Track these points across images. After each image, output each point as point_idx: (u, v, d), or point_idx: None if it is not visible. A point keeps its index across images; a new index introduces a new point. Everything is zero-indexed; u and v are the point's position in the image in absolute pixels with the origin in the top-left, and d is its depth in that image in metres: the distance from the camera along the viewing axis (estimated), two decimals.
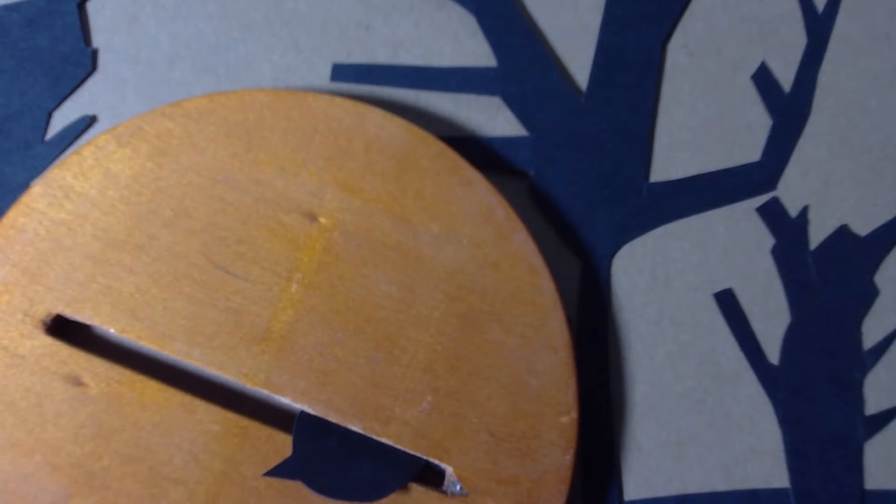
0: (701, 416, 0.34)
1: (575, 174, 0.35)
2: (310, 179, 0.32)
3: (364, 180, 0.32)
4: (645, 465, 0.34)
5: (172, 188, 0.31)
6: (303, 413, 0.30)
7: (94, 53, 0.34)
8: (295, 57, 0.35)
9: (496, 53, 0.35)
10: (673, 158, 0.36)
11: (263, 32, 0.35)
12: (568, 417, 0.31)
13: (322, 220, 0.31)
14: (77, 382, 0.30)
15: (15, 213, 0.30)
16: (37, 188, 0.31)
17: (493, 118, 0.35)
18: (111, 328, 0.30)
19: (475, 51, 0.36)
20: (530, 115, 0.35)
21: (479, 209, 0.32)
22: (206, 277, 0.31)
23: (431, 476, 0.31)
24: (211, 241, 0.31)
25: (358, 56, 0.35)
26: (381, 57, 0.35)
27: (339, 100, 0.32)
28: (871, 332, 0.35)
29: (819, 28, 0.37)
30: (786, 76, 0.36)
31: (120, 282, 0.30)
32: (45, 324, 0.30)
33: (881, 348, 0.35)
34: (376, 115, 0.32)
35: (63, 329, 0.31)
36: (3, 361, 0.30)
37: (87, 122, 0.34)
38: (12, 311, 0.30)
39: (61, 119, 0.34)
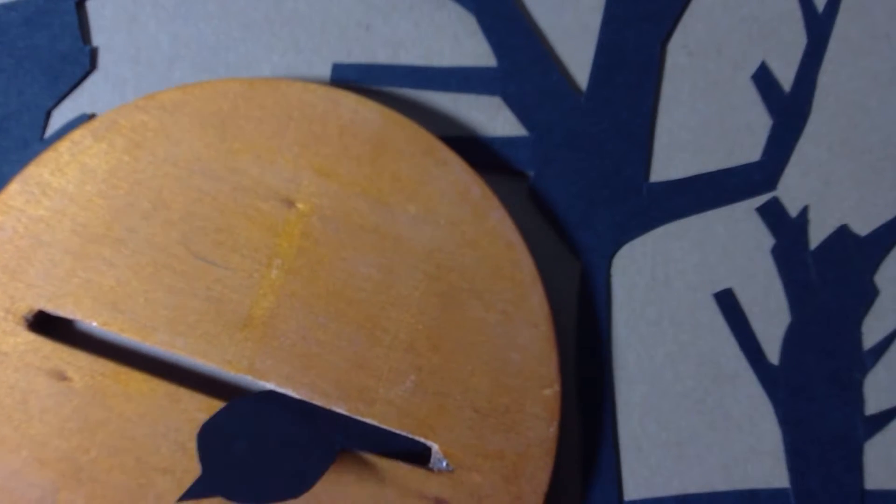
0: (701, 416, 0.34)
1: (575, 174, 0.35)
2: (286, 166, 0.32)
3: (340, 165, 0.32)
4: (645, 465, 0.34)
5: (149, 180, 0.31)
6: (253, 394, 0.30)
7: (94, 52, 0.34)
8: (295, 57, 0.35)
9: (496, 53, 0.35)
10: (673, 158, 0.36)
11: (263, 32, 0.35)
12: (551, 390, 0.32)
13: (300, 205, 0.31)
14: (61, 377, 0.30)
15: None
16: (14, 186, 0.30)
17: (493, 118, 0.35)
18: (93, 322, 0.30)
19: (475, 51, 0.35)
20: (530, 115, 0.35)
21: (455, 188, 0.32)
22: (186, 267, 0.31)
23: (418, 454, 0.31)
24: (190, 231, 0.31)
25: (358, 56, 0.35)
26: (381, 57, 0.35)
27: (312, 86, 0.32)
28: (871, 332, 0.35)
29: (819, 28, 0.37)
30: (786, 76, 0.36)
31: (100, 275, 0.30)
32: (27, 320, 0.30)
33: (881, 348, 0.35)
34: (350, 99, 0.32)
35: (45, 324, 0.31)
36: None
37: (86, 121, 0.34)
38: None
39: (60, 118, 0.34)
